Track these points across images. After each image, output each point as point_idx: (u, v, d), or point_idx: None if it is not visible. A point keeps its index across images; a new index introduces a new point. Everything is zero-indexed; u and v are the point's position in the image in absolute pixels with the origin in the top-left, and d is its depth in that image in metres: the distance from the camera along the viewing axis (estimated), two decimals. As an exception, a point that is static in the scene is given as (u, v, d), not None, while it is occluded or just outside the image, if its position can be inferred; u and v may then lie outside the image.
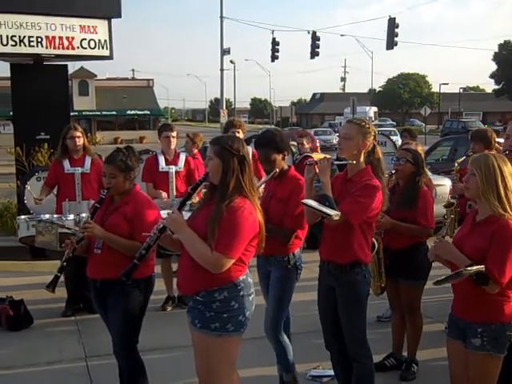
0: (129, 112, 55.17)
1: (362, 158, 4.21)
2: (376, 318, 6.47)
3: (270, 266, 4.65)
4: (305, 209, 4.26)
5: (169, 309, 7.06)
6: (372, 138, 4.20)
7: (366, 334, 4.31)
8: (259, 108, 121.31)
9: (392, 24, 29.68)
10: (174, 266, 6.33)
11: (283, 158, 4.67)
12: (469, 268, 3.34)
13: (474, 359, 3.54)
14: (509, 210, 3.44)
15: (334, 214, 3.93)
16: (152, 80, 59.10)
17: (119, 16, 11.07)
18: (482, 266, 3.35)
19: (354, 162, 4.14)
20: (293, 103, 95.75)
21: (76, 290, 6.97)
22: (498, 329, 3.50)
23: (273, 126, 60.07)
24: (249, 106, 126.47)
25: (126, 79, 63.18)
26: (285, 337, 4.73)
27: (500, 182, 3.44)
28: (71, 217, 6.28)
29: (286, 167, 4.70)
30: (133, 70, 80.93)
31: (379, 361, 5.19)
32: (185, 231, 3.50)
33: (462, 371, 3.64)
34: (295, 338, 5.04)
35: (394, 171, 5.18)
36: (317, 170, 4.16)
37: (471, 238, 3.53)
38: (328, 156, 4.35)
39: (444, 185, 9.91)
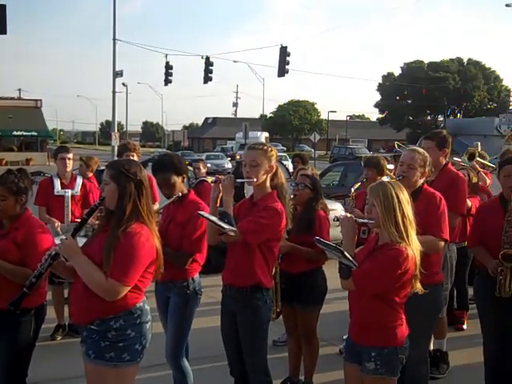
0: (15, 133, 52.93)
1: (267, 182, 4.24)
2: (272, 342, 6.48)
3: (169, 292, 4.56)
4: (207, 227, 4.22)
5: (59, 338, 6.74)
6: (275, 160, 4.26)
7: (266, 360, 4.31)
8: (151, 131, 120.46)
9: (284, 52, 30.33)
10: (65, 292, 6.07)
11: (182, 181, 4.63)
12: (347, 254, 3.41)
13: (369, 382, 3.61)
14: (405, 237, 3.52)
15: (229, 228, 3.93)
16: (40, 100, 57.05)
17: (4, 32, 10.56)
18: (355, 264, 3.44)
19: (255, 179, 4.15)
20: (185, 127, 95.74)
21: None
22: (391, 352, 3.58)
23: (164, 150, 59.77)
24: (140, 130, 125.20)
25: (13, 99, 60.73)
26: (186, 363, 4.65)
27: (398, 210, 3.53)
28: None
29: (185, 191, 4.65)
30: (19, 90, 77.89)
31: (276, 385, 5.18)
32: (78, 258, 3.37)
33: (360, 394, 3.69)
34: (195, 364, 4.95)
35: (292, 196, 5.24)
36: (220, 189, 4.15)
37: (367, 261, 3.60)
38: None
39: (335, 209, 10.12)
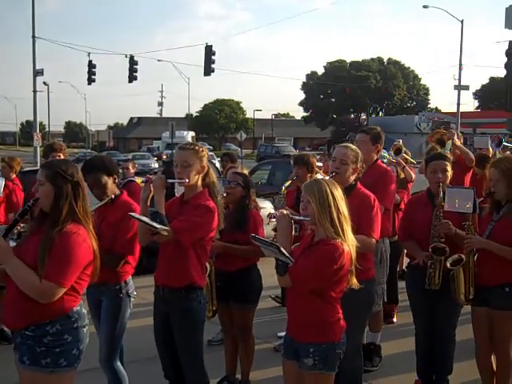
0: None
1: (199, 181, 4.21)
2: (207, 341, 6.44)
3: (101, 295, 4.47)
4: (138, 228, 4.16)
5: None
6: (207, 160, 4.23)
7: (203, 360, 4.29)
8: (74, 132, 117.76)
9: (209, 51, 30.31)
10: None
11: (114, 181, 4.55)
12: (283, 251, 3.42)
13: (308, 378, 3.64)
14: (341, 233, 3.56)
15: (161, 228, 3.89)
16: (-45, 100, 54.97)
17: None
18: (291, 260, 3.46)
19: (187, 180, 4.12)
20: (110, 127, 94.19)
21: None
22: (329, 348, 3.61)
23: (89, 151, 58.61)
24: (63, 130, 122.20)
25: None
26: (120, 366, 4.57)
27: (333, 207, 3.57)
28: None
29: (117, 192, 4.57)
30: None
31: (213, 385, 5.17)
32: (10, 260, 3.26)
33: (298, 390, 3.72)
34: (130, 367, 4.86)
35: (225, 194, 5.23)
36: (151, 189, 4.10)
37: (303, 257, 3.62)
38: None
39: (265, 207, 10.17)
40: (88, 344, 3.52)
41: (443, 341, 5.01)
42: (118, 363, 4.56)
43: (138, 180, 9.40)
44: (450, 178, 4.98)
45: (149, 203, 4.19)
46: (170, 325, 4.21)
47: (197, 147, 4.24)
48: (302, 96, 75.69)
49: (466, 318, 5.22)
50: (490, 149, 8.05)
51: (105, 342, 4.47)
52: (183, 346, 4.19)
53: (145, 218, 3.98)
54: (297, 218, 3.71)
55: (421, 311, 5.08)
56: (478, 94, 77.16)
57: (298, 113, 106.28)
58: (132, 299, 4.58)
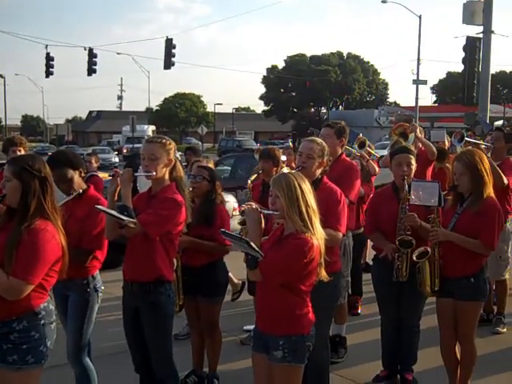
0: None
1: (166, 175, 4.20)
2: (174, 335, 6.41)
3: (68, 290, 4.42)
4: (106, 222, 4.13)
5: None
6: (174, 153, 4.22)
7: (171, 354, 4.29)
8: (32, 125, 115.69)
9: (169, 44, 30.10)
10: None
11: (80, 175, 4.50)
12: (253, 245, 3.43)
13: (277, 371, 3.65)
14: (310, 227, 3.58)
15: (128, 220, 3.88)
16: None
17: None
18: (261, 255, 3.47)
19: (154, 173, 4.11)
20: (68, 121, 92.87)
21: None
22: (298, 340, 3.64)
23: (47, 145, 57.66)
24: (20, 124, 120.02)
25: None
26: (89, 362, 4.53)
27: (302, 201, 3.58)
28: None
29: (84, 186, 4.53)
30: None
31: (181, 379, 5.14)
32: None
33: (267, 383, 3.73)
34: (98, 363, 4.82)
35: (190, 189, 5.21)
36: (118, 182, 4.09)
37: (272, 251, 3.63)
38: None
39: (228, 201, 10.15)
40: (55, 340, 3.49)
41: (409, 331, 5.10)
42: (87, 358, 4.52)
43: (101, 174, 9.31)
44: (414, 171, 5.05)
45: (116, 197, 4.16)
46: (139, 319, 4.19)
47: (164, 140, 4.24)
48: (262, 90, 75.82)
49: (430, 307, 5.33)
50: (446, 142, 8.19)
51: (72, 338, 4.42)
52: (153, 340, 4.19)
53: (112, 211, 3.96)
54: (266, 212, 3.72)
55: (387, 302, 5.16)
56: (435, 89, 78.34)
57: (259, 107, 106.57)
58: (100, 294, 4.54)
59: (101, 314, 5.01)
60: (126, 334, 4.37)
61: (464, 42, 18.42)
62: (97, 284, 4.49)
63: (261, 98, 76.64)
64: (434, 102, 77.65)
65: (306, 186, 3.65)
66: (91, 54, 31.55)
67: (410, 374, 5.19)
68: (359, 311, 7.26)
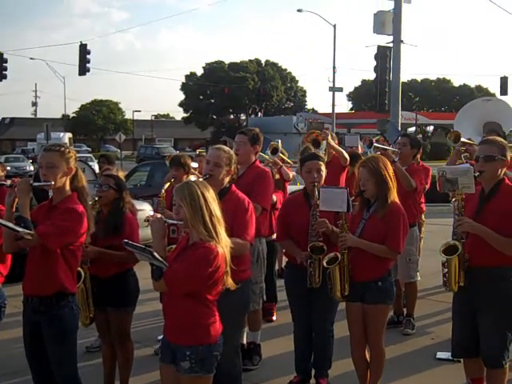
0: None
1: (67, 185, 4.09)
2: (85, 348, 6.25)
3: (-32, 305, 4.21)
4: (3, 234, 3.98)
5: None
6: (74, 162, 4.11)
7: (77, 369, 4.14)
8: None
9: (84, 50, 29.41)
10: None
11: None
12: (157, 256, 3.39)
13: (185, 382, 3.60)
14: (214, 235, 3.55)
15: (23, 231, 3.75)
16: None
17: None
18: (166, 265, 3.43)
19: (52, 182, 4.00)
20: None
21: None
22: (206, 350, 3.59)
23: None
24: None
25: None
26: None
27: (205, 209, 3.55)
28: None
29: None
30: None
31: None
32: None
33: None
34: (1, 380, 4.62)
35: (97, 198, 5.08)
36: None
37: (177, 261, 3.57)
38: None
39: (144, 209, 10.01)
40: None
41: (322, 336, 5.15)
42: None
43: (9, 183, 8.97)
44: (324, 177, 5.11)
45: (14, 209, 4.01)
46: (41, 334, 4.03)
47: (62, 148, 4.12)
48: (182, 97, 75.55)
49: (343, 313, 5.38)
50: (360, 147, 8.36)
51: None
52: (56, 356, 4.03)
53: (7, 222, 3.80)
54: (170, 221, 3.69)
55: (300, 308, 5.19)
56: (351, 96, 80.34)
57: (178, 114, 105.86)
58: (3, 309, 4.39)
59: (4, 330, 4.83)
60: (25, 350, 4.19)
61: (375, 51, 18.85)
62: (0, 298, 4.30)
63: (180, 104, 76.39)
64: (351, 109, 79.60)
65: (210, 194, 3.62)
66: (1, 59, 30.47)
67: (324, 379, 5.23)
68: (274, 318, 7.27)
